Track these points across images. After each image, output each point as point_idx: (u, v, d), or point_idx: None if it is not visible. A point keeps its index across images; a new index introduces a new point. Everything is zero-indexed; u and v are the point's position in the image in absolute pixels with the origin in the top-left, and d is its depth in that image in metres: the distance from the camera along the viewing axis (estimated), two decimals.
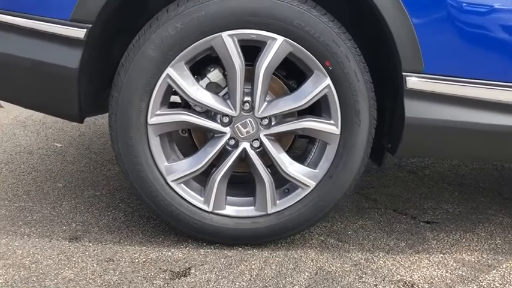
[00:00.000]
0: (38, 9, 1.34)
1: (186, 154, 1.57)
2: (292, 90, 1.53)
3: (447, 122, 1.45)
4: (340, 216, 1.85)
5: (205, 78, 1.49)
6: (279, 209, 1.53)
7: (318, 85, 1.43)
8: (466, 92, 1.43)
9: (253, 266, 1.47)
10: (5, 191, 1.89)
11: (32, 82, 1.42)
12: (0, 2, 1.37)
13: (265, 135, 1.48)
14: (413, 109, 1.44)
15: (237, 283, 1.38)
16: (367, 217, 1.87)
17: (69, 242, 1.54)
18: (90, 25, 1.33)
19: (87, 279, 1.35)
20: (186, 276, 1.39)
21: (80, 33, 1.33)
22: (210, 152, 1.47)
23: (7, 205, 1.77)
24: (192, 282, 1.37)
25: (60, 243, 1.53)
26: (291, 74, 1.58)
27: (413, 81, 1.41)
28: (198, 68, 1.52)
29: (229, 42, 1.37)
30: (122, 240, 1.57)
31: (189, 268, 1.44)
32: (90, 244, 1.54)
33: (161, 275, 1.39)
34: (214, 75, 1.49)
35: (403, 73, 1.41)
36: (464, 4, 1.36)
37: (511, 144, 1.52)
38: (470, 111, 1.46)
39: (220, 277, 1.40)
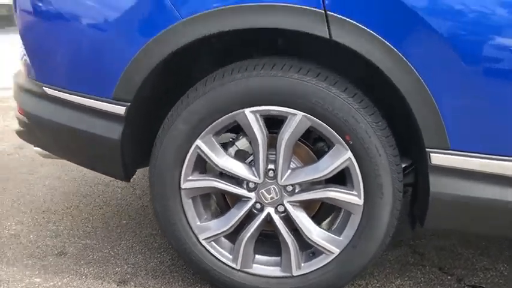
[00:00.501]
0: (87, 88, 1.54)
1: (221, 209, 1.69)
2: (320, 155, 1.56)
3: (477, 199, 1.39)
4: (379, 273, 1.84)
5: (234, 145, 1.59)
6: (304, 272, 1.58)
7: (339, 157, 1.45)
8: (499, 170, 1.36)
9: None
10: (77, 226, 2.16)
11: (83, 148, 1.63)
12: (57, 80, 1.60)
13: (289, 201, 1.54)
14: (438, 184, 1.40)
15: None
16: (407, 275, 1.83)
17: (117, 285, 1.74)
18: (129, 103, 1.49)
19: None
20: None
21: (120, 109, 1.50)
22: (236, 215, 1.57)
23: (76, 242, 2.03)
24: None
25: (110, 286, 1.73)
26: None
27: (438, 158, 1.38)
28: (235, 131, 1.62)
29: (251, 117, 1.45)
30: (162, 287, 1.73)
31: None
32: None
33: None
34: (242, 143, 1.58)
35: (427, 149, 1.38)
36: (488, 83, 1.29)
37: None
38: (505, 189, 1.38)
39: None
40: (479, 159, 1.36)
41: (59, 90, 1.60)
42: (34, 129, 1.74)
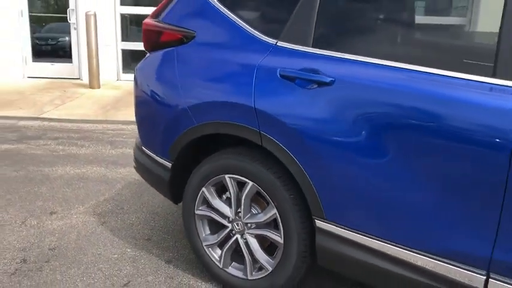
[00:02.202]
0: (155, 150, 2.84)
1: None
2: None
3: (343, 255, 2.20)
4: None
5: (226, 194, 2.69)
6: (254, 278, 2.58)
7: (271, 212, 2.43)
8: (360, 240, 2.15)
9: None
10: (166, 225, 3.50)
11: (154, 181, 2.95)
12: (145, 144, 2.94)
13: (248, 233, 2.57)
14: (321, 240, 2.26)
15: None
16: None
17: (165, 263, 2.99)
18: (173, 162, 2.75)
19: None
20: None
21: (168, 165, 2.77)
22: (221, 235, 2.67)
23: (160, 235, 3.36)
24: None
25: (161, 263, 2.99)
26: None
27: (319, 223, 2.26)
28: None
29: (228, 180, 2.55)
30: (187, 270, 2.92)
31: None
32: None
33: None
34: (229, 194, 2.67)
35: (313, 216, 2.27)
36: (343, 171, 2.12)
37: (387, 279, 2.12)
38: (360, 252, 2.17)
39: None
40: (345, 230, 2.18)
41: (145, 148, 2.95)
42: (138, 167, 3.14)
